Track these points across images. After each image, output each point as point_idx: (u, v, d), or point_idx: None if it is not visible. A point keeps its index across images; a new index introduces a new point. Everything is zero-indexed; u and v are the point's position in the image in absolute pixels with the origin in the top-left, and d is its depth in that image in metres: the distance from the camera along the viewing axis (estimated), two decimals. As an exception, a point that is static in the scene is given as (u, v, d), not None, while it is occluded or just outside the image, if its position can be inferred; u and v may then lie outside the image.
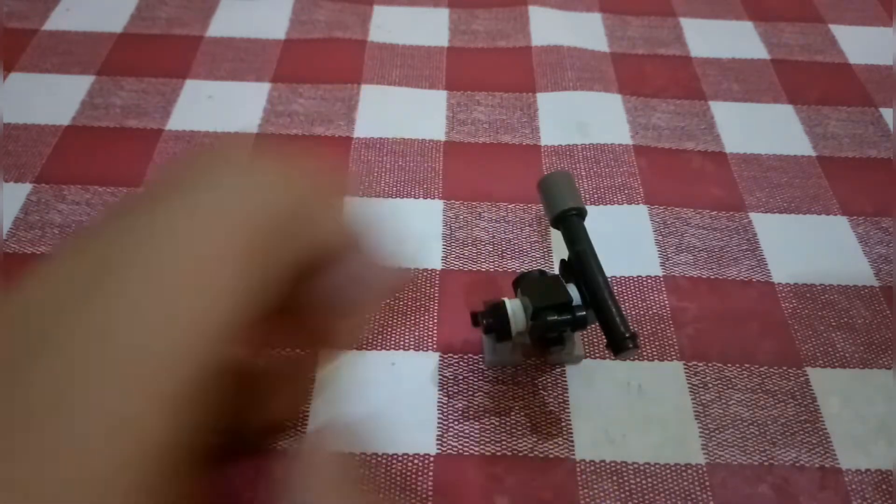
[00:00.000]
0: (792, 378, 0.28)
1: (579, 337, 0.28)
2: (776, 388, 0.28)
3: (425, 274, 0.31)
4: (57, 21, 0.44)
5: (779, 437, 0.26)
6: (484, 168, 0.36)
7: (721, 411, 0.27)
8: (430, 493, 0.24)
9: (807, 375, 0.28)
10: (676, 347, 0.29)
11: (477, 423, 0.26)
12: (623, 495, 0.25)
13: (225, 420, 0.14)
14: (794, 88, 0.41)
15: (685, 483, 0.25)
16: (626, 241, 0.33)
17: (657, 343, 0.29)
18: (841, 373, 0.28)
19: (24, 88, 0.39)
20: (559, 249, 0.31)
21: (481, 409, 0.27)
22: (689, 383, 0.28)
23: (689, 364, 0.28)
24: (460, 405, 0.27)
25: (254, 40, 0.43)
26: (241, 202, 0.13)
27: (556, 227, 0.27)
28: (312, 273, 0.15)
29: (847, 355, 0.29)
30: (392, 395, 0.27)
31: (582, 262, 0.25)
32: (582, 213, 0.26)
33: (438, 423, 0.26)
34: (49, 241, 0.32)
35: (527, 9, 0.46)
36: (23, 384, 0.12)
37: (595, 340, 0.29)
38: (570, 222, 0.26)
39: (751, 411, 0.27)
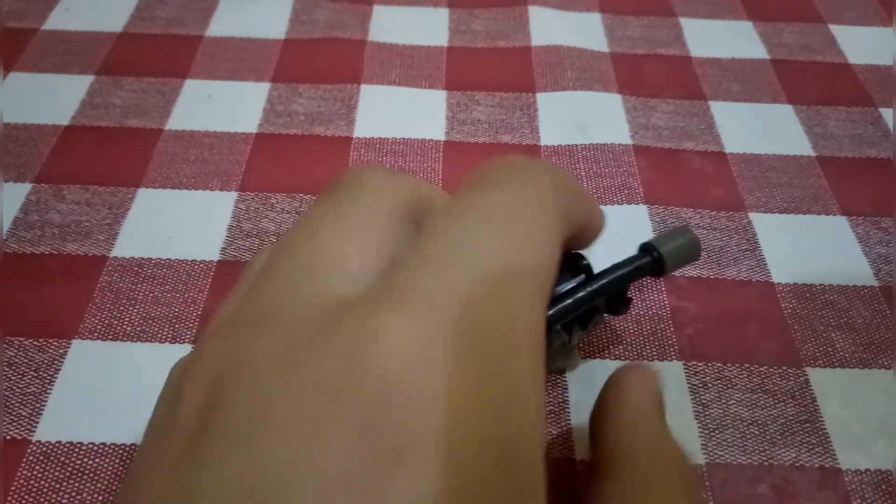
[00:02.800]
0: (792, 378, 0.28)
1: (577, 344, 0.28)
2: (776, 388, 0.28)
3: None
4: (56, 21, 0.44)
5: (778, 437, 0.26)
6: (484, 168, 0.36)
7: (721, 411, 0.27)
8: (430, 493, 0.24)
9: (806, 375, 0.28)
10: (676, 347, 0.29)
11: (477, 423, 0.26)
12: (623, 495, 0.25)
13: None
14: (793, 88, 0.41)
15: (685, 483, 0.25)
16: (625, 241, 0.33)
17: (657, 343, 0.29)
18: (840, 373, 0.28)
19: (23, 88, 0.39)
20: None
21: (481, 409, 0.27)
22: (688, 383, 0.28)
23: (689, 364, 0.28)
24: (460, 405, 0.27)
25: (253, 40, 0.43)
26: (548, 188, 0.17)
27: None
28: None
29: (847, 355, 0.29)
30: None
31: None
32: None
33: (438, 423, 0.26)
34: (49, 241, 0.32)
35: (526, 9, 0.46)
36: None
37: (595, 340, 0.29)
38: None
39: (750, 411, 0.27)
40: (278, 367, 0.12)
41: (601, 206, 0.34)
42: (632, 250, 0.32)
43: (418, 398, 0.12)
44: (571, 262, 0.25)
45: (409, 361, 0.12)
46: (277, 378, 0.12)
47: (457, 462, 0.12)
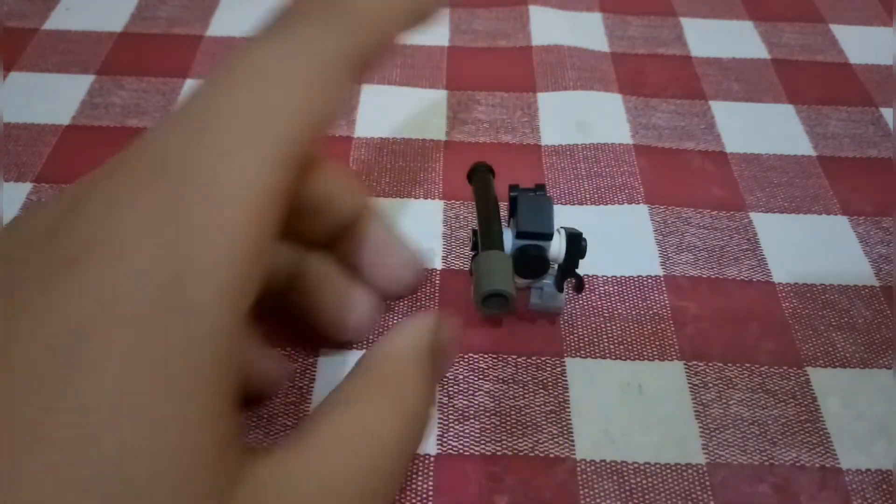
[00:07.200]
0: (792, 378, 0.28)
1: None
2: (777, 387, 0.28)
3: (425, 273, 0.31)
4: (57, 20, 0.44)
5: (779, 437, 0.26)
6: (484, 168, 0.36)
7: (721, 411, 0.27)
8: (431, 492, 0.24)
9: (807, 375, 0.28)
10: (677, 347, 0.29)
11: (477, 422, 0.26)
12: (623, 495, 0.25)
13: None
14: (794, 88, 0.41)
15: (685, 483, 0.25)
16: (626, 241, 0.33)
17: (657, 343, 0.29)
18: (841, 373, 0.28)
19: (23, 88, 0.39)
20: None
21: (481, 408, 0.27)
22: (689, 383, 0.28)
23: (690, 364, 0.28)
24: (460, 405, 0.27)
25: (254, 40, 0.43)
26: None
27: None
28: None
29: (847, 355, 0.29)
30: (392, 395, 0.27)
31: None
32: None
33: (439, 422, 0.26)
34: (49, 241, 0.32)
35: (527, 8, 0.46)
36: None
37: (595, 340, 0.29)
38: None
39: (751, 411, 0.27)
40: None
41: (601, 206, 0.34)
42: (632, 249, 0.32)
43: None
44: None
45: (117, 195, 0.16)
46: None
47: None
